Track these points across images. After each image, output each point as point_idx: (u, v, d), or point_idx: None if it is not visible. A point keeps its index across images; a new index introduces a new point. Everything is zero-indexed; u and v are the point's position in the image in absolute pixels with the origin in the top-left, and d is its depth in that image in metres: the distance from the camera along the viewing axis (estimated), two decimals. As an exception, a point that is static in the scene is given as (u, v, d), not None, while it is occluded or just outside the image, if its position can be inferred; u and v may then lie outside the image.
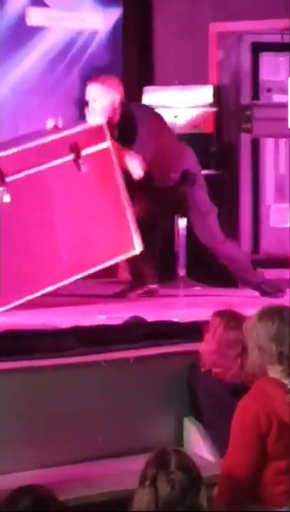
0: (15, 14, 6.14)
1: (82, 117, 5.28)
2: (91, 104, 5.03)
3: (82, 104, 5.72)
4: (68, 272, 4.58)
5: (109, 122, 4.93)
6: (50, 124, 4.77)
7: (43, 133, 4.73)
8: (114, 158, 4.59)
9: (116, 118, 4.99)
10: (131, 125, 5.04)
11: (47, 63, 6.13)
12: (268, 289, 5.10)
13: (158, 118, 5.17)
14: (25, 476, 3.31)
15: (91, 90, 5.07)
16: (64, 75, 6.21)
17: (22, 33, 6.06)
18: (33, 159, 4.48)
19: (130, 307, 4.62)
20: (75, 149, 4.65)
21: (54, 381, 3.57)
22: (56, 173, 4.50)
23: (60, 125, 4.74)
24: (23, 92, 6.00)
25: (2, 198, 4.45)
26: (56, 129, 4.72)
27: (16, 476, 3.34)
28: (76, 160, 4.59)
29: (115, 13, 6.33)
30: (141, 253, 4.91)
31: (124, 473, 2.75)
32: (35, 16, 6.22)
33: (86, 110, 5.06)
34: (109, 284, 5.42)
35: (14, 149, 4.45)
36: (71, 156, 4.56)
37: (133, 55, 6.46)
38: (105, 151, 4.65)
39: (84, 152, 4.59)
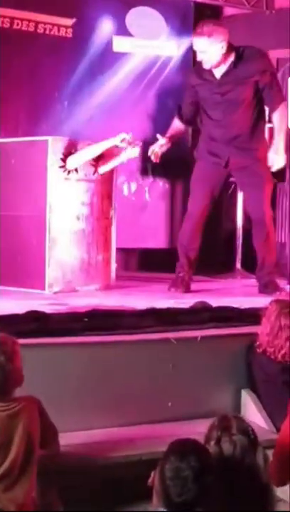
0: (103, 42, 6.39)
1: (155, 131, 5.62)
2: (200, 56, 4.96)
3: (155, 119, 6.33)
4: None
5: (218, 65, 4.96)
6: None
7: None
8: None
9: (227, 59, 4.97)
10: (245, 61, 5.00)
11: (128, 84, 6.42)
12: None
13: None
14: (108, 432, 3.63)
15: (198, 43, 4.94)
16: (142, 94, 6.50)
17: (108, 58, 6.38)
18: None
19: (194, 295, 4.89)
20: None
21: (132, 354, 3.83)
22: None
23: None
24: (107, 108, 6.27)
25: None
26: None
27: (97, 432, 3.60)
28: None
29: (186, 42, 6.47)
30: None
31: (190, 434, 2.61)
32: (120, 44, 6.49)
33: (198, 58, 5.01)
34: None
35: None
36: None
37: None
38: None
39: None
